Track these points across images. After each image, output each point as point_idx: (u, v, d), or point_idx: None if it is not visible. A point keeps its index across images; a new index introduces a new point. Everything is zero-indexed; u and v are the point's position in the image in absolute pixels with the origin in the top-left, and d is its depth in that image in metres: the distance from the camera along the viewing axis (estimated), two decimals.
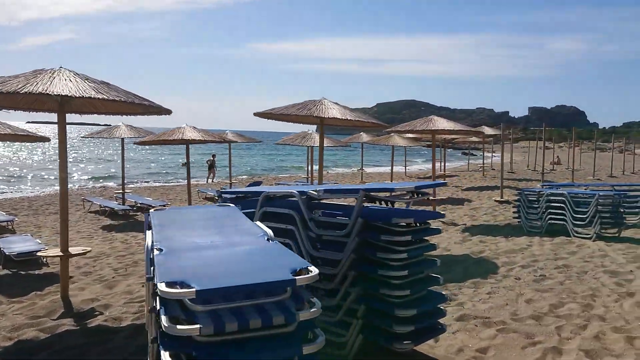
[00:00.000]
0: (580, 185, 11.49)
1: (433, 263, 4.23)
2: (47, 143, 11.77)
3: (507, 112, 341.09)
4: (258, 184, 15.78)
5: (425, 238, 4.27)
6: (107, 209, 14.38)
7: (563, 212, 9.80)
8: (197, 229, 3.50)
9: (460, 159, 58.55)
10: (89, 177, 30.30)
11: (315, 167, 12.82)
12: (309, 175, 17.25)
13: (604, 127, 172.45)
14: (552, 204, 9.95)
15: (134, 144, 13.20)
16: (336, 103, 8.81)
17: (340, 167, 43.00)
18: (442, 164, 25.49)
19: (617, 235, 9.52)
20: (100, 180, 28.10)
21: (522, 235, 9.86)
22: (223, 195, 4.99)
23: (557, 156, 36.13)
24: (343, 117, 8.40)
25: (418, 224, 4.17)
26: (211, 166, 26.74)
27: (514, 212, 10.94)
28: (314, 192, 4.19)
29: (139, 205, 15.03)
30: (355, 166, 40.77)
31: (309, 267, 2.47)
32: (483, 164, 30.80)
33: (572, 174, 22.84)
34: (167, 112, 6.47)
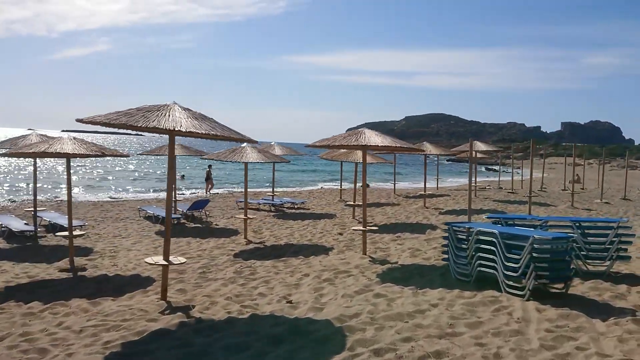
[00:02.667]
0: (534, 219, 8.63)
1: None
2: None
3: (539, 127, 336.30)
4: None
5: None
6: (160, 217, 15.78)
7: (494, 257, 7.19)
8: None
9: (482, 175, 58.85)
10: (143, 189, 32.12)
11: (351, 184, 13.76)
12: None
13: None
14: (482, 246, 7.39)
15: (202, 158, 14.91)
16: (373, 130, 10.03)
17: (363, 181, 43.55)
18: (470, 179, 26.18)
19: (564, 291, 6.99)
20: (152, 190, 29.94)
21: (441, 287, 7.38)
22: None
23: (577, 174, 36.34)
24: (382, 144, 9.64)
25: None
26: (208, 177, 27.79)
27: (442, 253, 8.96)
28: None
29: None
30: (378, 180, 41.80)
31: None
32: (499, 180, 31.17)
33: (572, 197, 20.90)
34: (253, 142, 7.88)
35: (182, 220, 16.02)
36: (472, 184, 24.88)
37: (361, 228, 10.30)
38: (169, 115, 6.49)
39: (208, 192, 26.85)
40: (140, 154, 18.30)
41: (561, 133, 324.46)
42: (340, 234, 13.55)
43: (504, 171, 42.06)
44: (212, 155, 13.12)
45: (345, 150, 16.61)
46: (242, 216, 13.17)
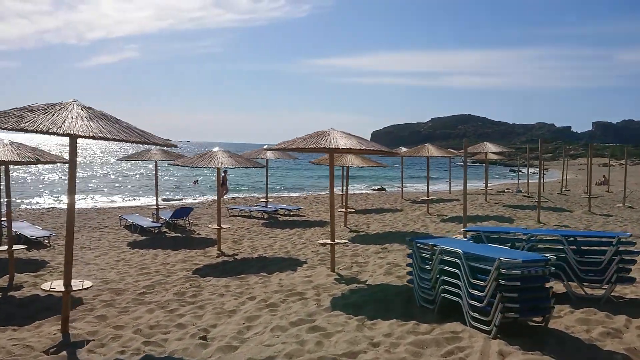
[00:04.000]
0: (521, 233, 7.09)
1: None
2: None
3: (569, 127, 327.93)
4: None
5: None
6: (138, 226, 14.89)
7: (459, 282, 5.81)
8: None
9: (506, 177, 56.81)
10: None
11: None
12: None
13: None
14: (446, 268, 6.01)
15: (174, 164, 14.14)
16: (343, 132, 8.84)
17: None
18: (485, 182, 24.69)
19: (543, 324, 5.59)
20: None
21: (398, 317, 6.05)
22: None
23: (604, 176, 34.14)
24: (353, 147, 8.45)
25: None
26: (223, 183, 27.03)
27: (407, 273, 7.42)
28: None
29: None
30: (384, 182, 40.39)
31: None
32: (518, 182, 29.33)
33: (589, 201, 18.70)
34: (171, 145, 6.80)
35: (164, 229, 15.12)
36: (487, 188, 23.68)
37: (329, 241, 9.13)
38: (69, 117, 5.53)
39: (223, 198, 26.13)
40: (119, 160, 17.78)
41: (593, 133, 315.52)
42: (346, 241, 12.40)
43: (532, 173, 40.13)
44: (182, 161, 12.11)
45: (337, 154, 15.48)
46: (216, 226, 12.14)
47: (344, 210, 15.57)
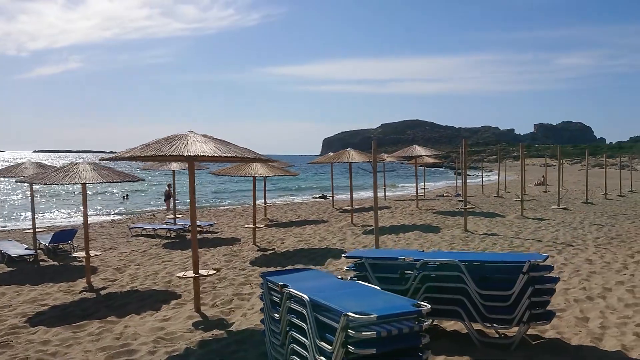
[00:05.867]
0: (410, 257, 5.39)
1: None
2: None
3: (513, 130, 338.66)
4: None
5: None
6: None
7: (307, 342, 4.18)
8: None
9: (454, 179, 56.63)
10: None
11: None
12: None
13: (611, 142, 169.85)
14: (295, 320, 4.31)
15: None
16: (205, 135, 7.04)
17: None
18: (418, 184, 23.38)
19: None
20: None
21: None
22: None
23: (543, 176, 33.79)
24: (212, 154, 6.65)
25: None
26: (168, 197, 25.45)
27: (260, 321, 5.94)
28: None
29: None
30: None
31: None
32: (456, 186, 28.48)
33: (522, 204, 19.15)
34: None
35: (42, 257, 12.87)
36: (417, 194, 22.42)
37: (191, 274, 7.29)
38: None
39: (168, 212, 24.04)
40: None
41: (534, 135, 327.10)
42: (217, 270, 10.55)
43: (475, 175, 39.61)
44: (29, 177, 9.99)
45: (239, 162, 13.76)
46: (83, 254, 10.08)
47: (251, 226, 13.73)
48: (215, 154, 6.43)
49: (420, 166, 30.70)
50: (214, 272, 8.46)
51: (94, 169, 9.66)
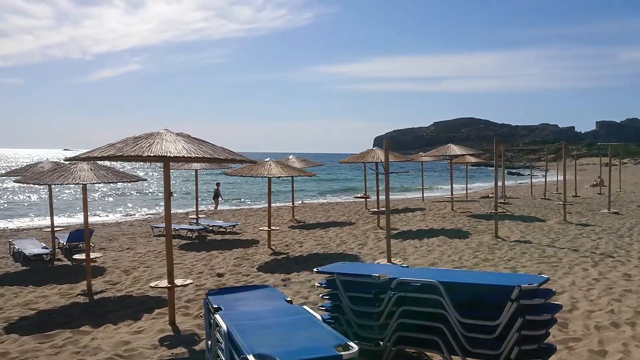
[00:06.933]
0: (385, 275, 4.66)
1: None
2: None
3: (573, 128, 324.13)
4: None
5: None
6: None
7: None
8: None
9: (506, 179, 54.29)
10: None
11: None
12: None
13: None
14: (221, 345, 3.74)
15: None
16: (181, 134, 6.49)
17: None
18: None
19: None
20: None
21: None
22: None
23: (600, 177, 31.51)
24: (188, 155, 6.10)
25: None
26: (216, 195, 25.54)
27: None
28: None
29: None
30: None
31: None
32: (503, 186, 26.76)
33: (564, 208, 17.38)
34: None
35: (59, 256, 12.85)
36: (452, 195, 21.14)
37: (164, 284, 6.77)
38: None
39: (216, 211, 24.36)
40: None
41: (597, 132, 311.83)
42: (220, 275, 10.08)
43: (533, 175, 37.56)
44: (25, 178, 9.80)
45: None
46: (83, 256, 9.82)
47: (266, 228, 13.19)
48: (180, 155, 5.86)
49: (462, 165, 29.32)
50: (190, 282, 7.93)
51: (91, 169, 9.36)
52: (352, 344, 3.06)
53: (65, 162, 9.55)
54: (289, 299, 4.32)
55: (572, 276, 8.57)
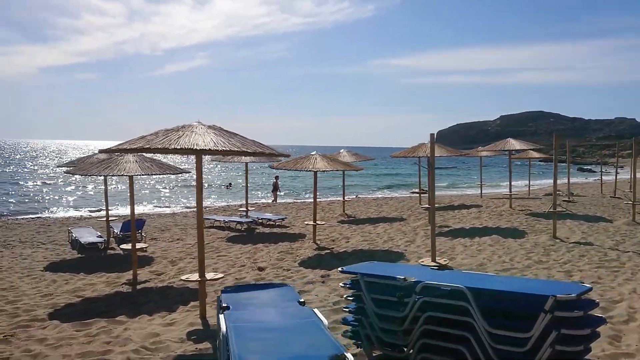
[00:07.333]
0: (411, 278, 4.35)
1: None
2: None
3: None
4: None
5: None
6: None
7: None
8: None
9: (576, 176, 51.65)
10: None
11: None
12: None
13: None
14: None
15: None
16: (213, 127, 6.44)
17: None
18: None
19: None
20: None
21: None
22: None
23: None
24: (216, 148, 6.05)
25: None
26: (275, 188, 25.87)
27: None
28: None
29: None
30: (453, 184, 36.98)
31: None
32: (568, 183, 25.14)
33: (633, 208, 16.75)
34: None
35: (112, 245, 13.33)
36: (511, 192, 20.16)
37: (196, 277, 6.75)
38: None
39: (275, 203, 25.04)
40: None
41: None
42: (261, 269, 10.04)
43: (605, 172, 35.37)
44: (74, 170, 10.14)
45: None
46: (129, 246, 10.07)
47: (312, 222, 13.05)
48: (207, 147, 5.81)
49: (525, 161, 28.01)
50: (220, 276, 7.89)
51: (136, 161, 9.57)
52: (349, 355, 2.83)
53: (100, 153, 9.87)
54: (302, 300, 4.13)
55: (634, 283, 7.86)
